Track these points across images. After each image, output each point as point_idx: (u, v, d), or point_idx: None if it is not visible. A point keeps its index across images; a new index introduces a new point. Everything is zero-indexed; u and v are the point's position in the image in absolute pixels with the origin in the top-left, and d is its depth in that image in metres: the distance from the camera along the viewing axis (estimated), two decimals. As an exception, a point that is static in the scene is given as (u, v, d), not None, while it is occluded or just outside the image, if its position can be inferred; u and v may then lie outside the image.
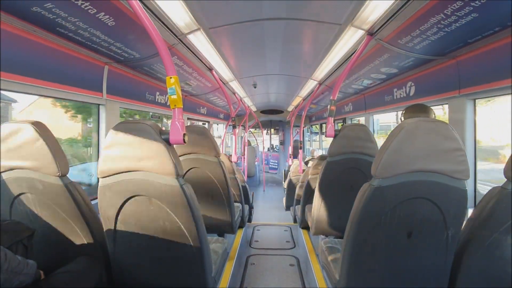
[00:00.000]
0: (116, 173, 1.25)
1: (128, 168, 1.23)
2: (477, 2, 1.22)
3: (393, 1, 1.44)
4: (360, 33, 1.89)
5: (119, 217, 1.30)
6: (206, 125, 5.66)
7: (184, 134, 1.19)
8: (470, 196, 1.95)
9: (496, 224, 1.11)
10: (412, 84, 2.50)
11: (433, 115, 1.81)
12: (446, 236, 1.16)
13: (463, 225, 1.20)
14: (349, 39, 2.04)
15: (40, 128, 1.21)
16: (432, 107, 1.78)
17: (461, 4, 1.26)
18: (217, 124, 6.68)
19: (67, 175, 1.28)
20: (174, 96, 1.18)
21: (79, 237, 1.34)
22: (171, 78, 1.18)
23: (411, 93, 2.53)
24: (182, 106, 1.21)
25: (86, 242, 1.34)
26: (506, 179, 1.10)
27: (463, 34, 1.53)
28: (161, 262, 1.36)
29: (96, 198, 1.31)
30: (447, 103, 2.08)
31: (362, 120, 4.06)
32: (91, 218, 1.31)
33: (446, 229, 1.15)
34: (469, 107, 1.90)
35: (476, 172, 1.95)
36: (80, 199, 1.27)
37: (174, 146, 1.24)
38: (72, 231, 1.33)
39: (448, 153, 1.10)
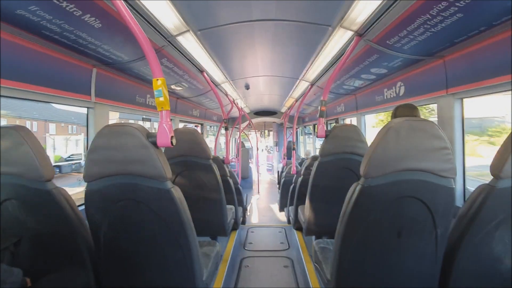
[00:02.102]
0: (103, 177, 1.23)
1: (115, 171, 1.21)
2: (461, 2, 1.24)
3: (380, 2, 1.46)
4: (349, 34, 1.90)
5: (106, 222, 1.27)
6: (199, 128, 5.63)
7: (172, 137, 1.18)
8: (460, 194, 1.98)
9: (484, 222, 1.13)
10: (402, 84, 2.53)
11: (420, 115, 1.84)
12: (435, 234, 1.17)
13: (452, 223, 1.21)
14: (339, 40, 2.06)
15: (24, 132, 1.19)
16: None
17: (446, 4, 1.28)
18: (210, 126, 6.66)
19: (52, 180, 1.25)
20: (161, 98, 1.17)
21: (66, 243, 1.31)
22: (157, 80, 1.16)
23: (401, 93, 2.56)
24: (169, 108, 1.20)
25: (73, 248, 1.31)
26: (492, 177, 1.11)
27: (449, 34, 1.55)
28: (150, 266, 1.34)
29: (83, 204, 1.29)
30: (435, 103, 2.11)
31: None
32: (77, 223, 1.29)
33: (435, 228, 1.16)
34: (457, 106, 1.93)
35: (464, 170, 1.98)
36: (66, 204, 1.25)
37: (165, 149, 1.23)
38: (58, 237, 1.30)
39: (435, 151, 1.11)
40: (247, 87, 4.14)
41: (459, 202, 1.95)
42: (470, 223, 1.13)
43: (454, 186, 1.15)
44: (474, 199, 1.14)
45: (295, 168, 4.11)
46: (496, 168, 1.08)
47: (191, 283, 1.36)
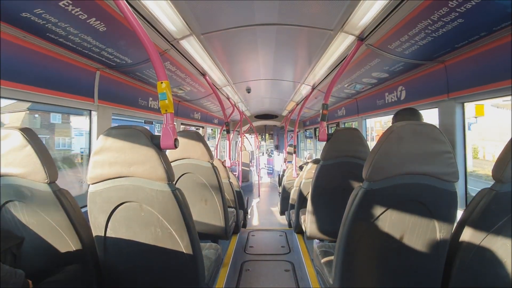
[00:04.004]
0: (106, 179, 1.24)
1: (119, 174, 1.22)
2: (462, 8, 1.25)
3: (381, 7, 1.47)
4: (351, 38, 1.92)
5: (109, 224, 1.28)
6: (200, 130, 5.64)
7: (176, 139, 1.18)
8: (462, 198, 1.98)
9: (486, 226, 1.13)
10: (403, 88, 2.54)
11: (422, 119, 1.85)
12: (438, 238, 1.17)
13: (454, 227, 1.21)
14: (340, 44, 2.07)
15: (28, 134, 1.20)
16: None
17: (447, 10, 1.29)
18: (211, 129, 6.67)
19: (56, 181, 1.26)
20: (166, 101, 1.18)
21: (69, 245, 1.31)
22: (162, 83, 1.18)
23: (402, 97, 2.57)
24: (173, 111, 1.21)
25: (76, 250, 1.31)
26: (495, 181, 1.12)
27: (450, 39, 1.57)
28: (152, 269, 1.34)
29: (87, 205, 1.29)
30: (436, 107, 2.11)
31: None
32: (81, 225, 1.29)
33: (437, 231, 1.17)
34: (458, 110, 1.93)
35: (466, 174, 1.98)
36: (70, 206, 1.25)
37: (167, 151, 1.24)
38: (61, 239, 1.30)
39: (437, 155, 1.11)
40: (249, 90, 4.15)
41: (461, 206, 1.95)
42: (473, 227, 1.13)
43: (456, 190, 1.15)
44: (476, 203, 1.14)
45: (296, 172, 4.11)
46: (498, 172, 1.08)
47: (193, 286, 1.36)
